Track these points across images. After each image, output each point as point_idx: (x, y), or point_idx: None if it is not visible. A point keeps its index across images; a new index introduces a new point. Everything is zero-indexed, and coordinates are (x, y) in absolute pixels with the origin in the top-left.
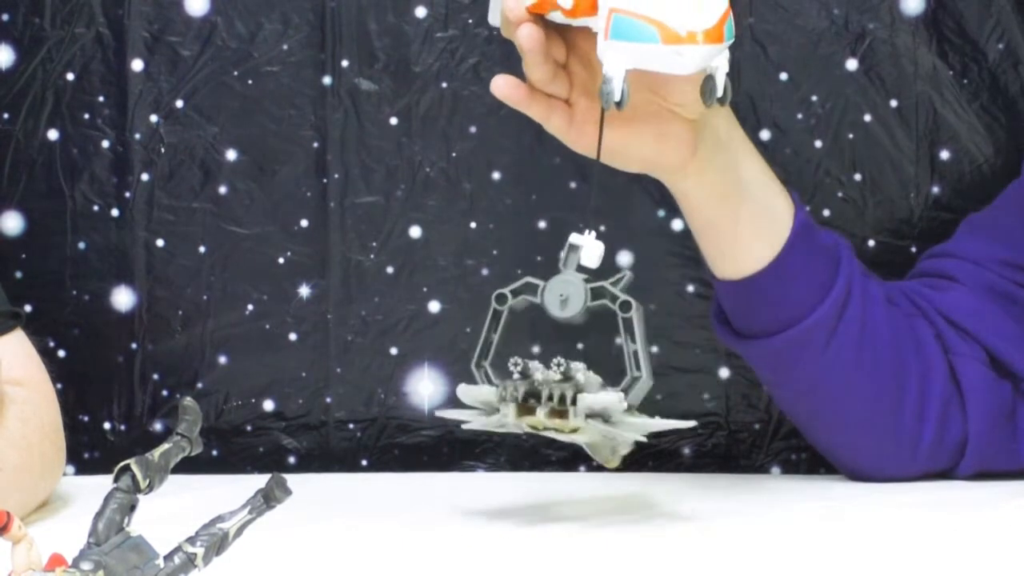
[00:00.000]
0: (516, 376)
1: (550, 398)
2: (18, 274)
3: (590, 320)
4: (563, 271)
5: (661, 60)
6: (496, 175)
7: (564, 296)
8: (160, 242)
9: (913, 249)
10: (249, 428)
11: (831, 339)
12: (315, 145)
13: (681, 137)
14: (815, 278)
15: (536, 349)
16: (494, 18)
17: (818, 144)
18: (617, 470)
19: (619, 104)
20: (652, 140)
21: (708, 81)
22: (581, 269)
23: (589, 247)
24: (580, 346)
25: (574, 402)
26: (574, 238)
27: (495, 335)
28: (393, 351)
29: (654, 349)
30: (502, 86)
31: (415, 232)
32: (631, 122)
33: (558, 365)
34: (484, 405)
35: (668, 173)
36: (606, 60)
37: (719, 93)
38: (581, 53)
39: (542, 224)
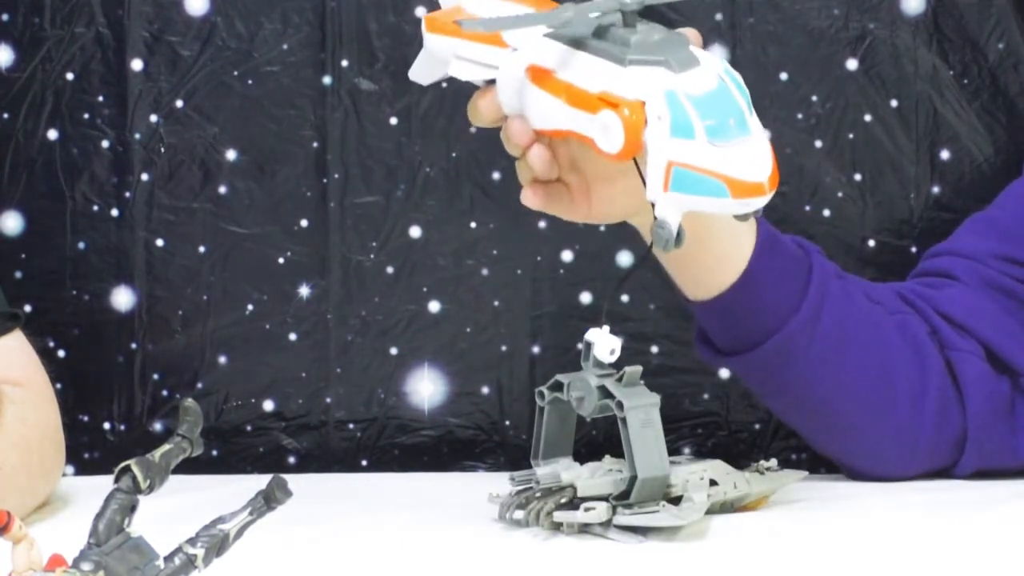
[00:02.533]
0: (516, 491)
1: (539, 512)
2: (18, 274)
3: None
4: (583, 368)
5: (724, 209)
6: (496, 175)
7: (579, 396)
8: (160, 242)
9: (913, 249)
10: (249, 428)
11: (811, 344)
12: (315, 145)
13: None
14: (786, 287)
15: (536, 350)
16: (417, 74)
17: (818, 144)
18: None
19: (677, 243)
20: (620, 196)
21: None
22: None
23: (602, 342)
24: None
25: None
26: (589, 334)
27: (543, 429)
28: (393, 351)
29: (654, 349)
30: (532, 197)
31: (415, 232)
32: (598, 187)
33: (539, 483)
34: None
35: (636, 217)
36: (662, 209)
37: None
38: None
39: (542, 224)
